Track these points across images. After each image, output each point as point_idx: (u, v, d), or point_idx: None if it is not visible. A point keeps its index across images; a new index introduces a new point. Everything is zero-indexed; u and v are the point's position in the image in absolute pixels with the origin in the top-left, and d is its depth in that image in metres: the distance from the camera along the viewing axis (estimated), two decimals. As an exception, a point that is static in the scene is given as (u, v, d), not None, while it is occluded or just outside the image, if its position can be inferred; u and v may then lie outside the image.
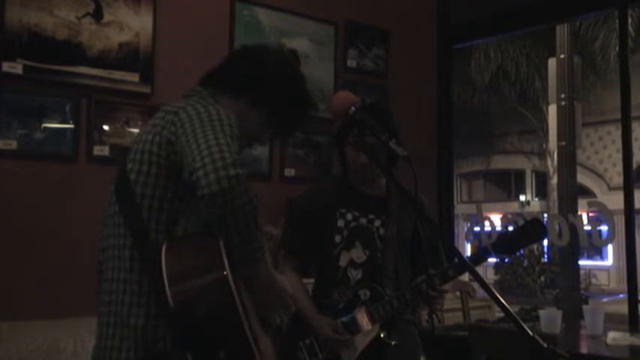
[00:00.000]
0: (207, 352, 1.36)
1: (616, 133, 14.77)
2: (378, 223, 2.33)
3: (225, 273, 1.37)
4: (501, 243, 2.26)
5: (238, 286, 1.39)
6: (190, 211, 1.47)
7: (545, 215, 16.17)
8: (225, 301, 1.35)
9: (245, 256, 1.43)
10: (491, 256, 2.25)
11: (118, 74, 3.07)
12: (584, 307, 3.26)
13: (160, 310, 1.42)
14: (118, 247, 1.50)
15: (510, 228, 2.41)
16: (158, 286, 1.37)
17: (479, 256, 2.26)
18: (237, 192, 1.33)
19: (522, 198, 19.93)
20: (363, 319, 2.20)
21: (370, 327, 2.20)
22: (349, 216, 2.33)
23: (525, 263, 15.24)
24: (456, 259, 2.20)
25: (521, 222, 2.32)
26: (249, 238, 1.41)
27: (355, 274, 2.29)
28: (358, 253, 2.30)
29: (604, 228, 3.61)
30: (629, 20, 8.21)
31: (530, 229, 2.27)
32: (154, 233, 1.46)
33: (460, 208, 14.99)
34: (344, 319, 2.22)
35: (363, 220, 2.33)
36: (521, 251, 15.50)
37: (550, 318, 2.93)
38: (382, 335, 2.20)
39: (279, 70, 1.69)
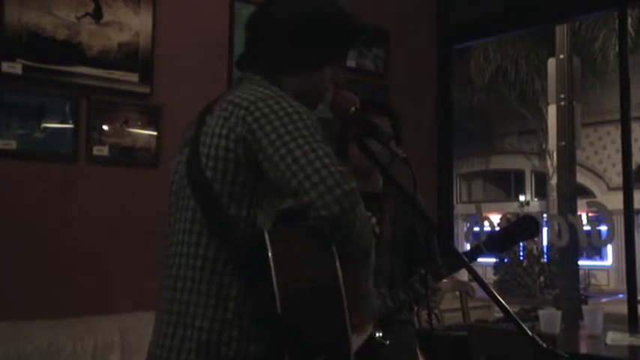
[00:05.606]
0: (306, 357, 1.30)
1: (615, 133, 14.79)
2: (373, 220, 2.32)
3: (338, 277, 1.29)
4: (494, 240, 2.25)
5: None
6: (263, 202, 1.39)
7: (545, 215, 16.17)
8: (335, 309, 1.29)
9: (357, 257, 1.38)
10: (483, 255, 2.24)
11: (117, 74, 3.07)
12: (584, 307, 3.26)
13: (230, 313, 1.34)
14: (189, 245, 1.39)
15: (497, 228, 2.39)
16: (246, 288, 1.31)
17: (470, 256, 2.25)
18: (357, 208, 1.27)
19: (522, 198, 19.92)
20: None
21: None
22: None
23: (525, 263, 15.24)
24: (449, 258, 2.20)
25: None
26: (366, 243, 1.37)
27: None
28: None
29: (603, 228, 3.60)
30: (629, 20, 8.22)
31: (523, 226, 2.26)
32: (235, 231, 1.36)
33: (460, 209, 15.00)
34: None
35: None
36: (521, 252, 15.54)
37: (549, 318, 2.93)
38: (377, 335, 2.19)
39: (317, 15, 1.53)
